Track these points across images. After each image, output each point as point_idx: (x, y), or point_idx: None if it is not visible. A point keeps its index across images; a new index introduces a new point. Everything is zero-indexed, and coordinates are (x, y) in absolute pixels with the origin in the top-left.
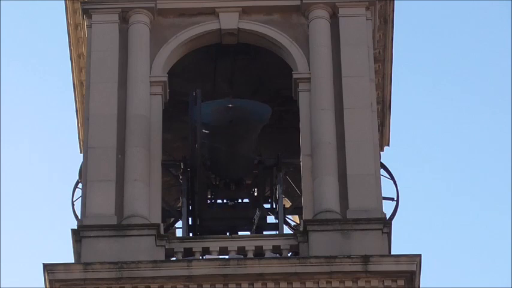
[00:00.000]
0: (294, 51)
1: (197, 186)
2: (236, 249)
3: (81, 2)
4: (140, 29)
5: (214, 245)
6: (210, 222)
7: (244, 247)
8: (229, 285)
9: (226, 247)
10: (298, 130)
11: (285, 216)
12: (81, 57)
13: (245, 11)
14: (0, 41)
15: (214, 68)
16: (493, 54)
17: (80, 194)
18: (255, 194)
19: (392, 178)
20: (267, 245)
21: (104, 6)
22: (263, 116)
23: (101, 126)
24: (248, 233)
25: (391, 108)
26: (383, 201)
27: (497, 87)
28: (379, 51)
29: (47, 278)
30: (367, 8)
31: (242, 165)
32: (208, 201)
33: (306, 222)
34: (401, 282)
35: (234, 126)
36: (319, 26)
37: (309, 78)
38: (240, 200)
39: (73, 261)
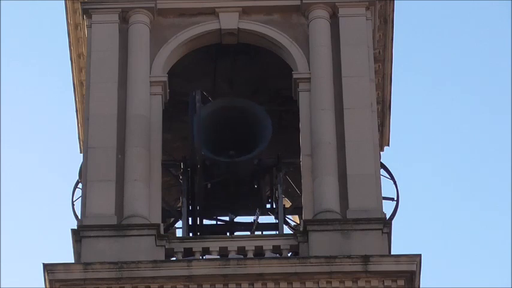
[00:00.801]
0: (294, 51)
1: (198, 181)
2: (236, 249)
3: (81, 2)
4: (140, 29)
5: (214, 245)
6: (210, 210)
7: (244, 247)
8: (229, 285)
9: (226, 247)
10: (298, 130)
11: (285, 216)
12: (81, 57)
13: (245, 11)
14: (0, 41)
15: (214, 68)
16: (493, 54)
17: (80, 194)
18: (255, 194)
19: (392, 178)
20: (267, 245)
21: (104, 6)
22: (264, 139)
23: (101, 126)
24: (248, 233)
25: (391, 108)
26: (383, 201)
27: (497, 87)
28: (379, 51)
29: (47, 278)
30: (367, 8)
31: (242, 167)
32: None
33: (306, 222)
34: (401, 282)
35: (235, 165)
36: (319, 26)
37: (309, 78)
38: (239, 200)
39: (73, 261)
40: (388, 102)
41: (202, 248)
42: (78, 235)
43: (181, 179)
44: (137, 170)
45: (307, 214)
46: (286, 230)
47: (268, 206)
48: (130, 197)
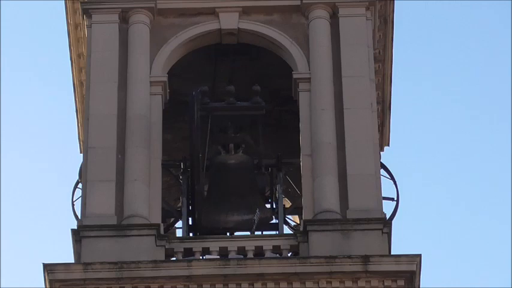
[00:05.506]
0: (294, 51)
1: (198, 177)
2: (236, 249)
3: (81, 2)
4: (140, 29)
5: (214, 245)
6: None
7: (244, 247)
8: (229, 285)
9: (226, 247)
10: (298, 130)
11: (285, 216)
12: (81, 57)
13: (245, 11)
14: (0, 41)
15: (214, 68)
16: (493, 54)
17: (80, 194)
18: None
19: (392, 178)
20: (267, 245)
21: (104, 6)
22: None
23: (101, 126)
24: (248, 233)
25: (391, 108)
26: (383, 201)
27: (497, 87)
28: (379, 51)
29: (47, 278)
30: (367, 8)
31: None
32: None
33: (306, 222)
34: (401, 282)
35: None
36: (319, 26)
37: (309, 78)
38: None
39: (73, 261)
40: (388, 102)
41: (202, 248)
42: (78, 235)
43: (181, 179)
44: (137, 170)
45: (307, 214)
46: (286, 230)
47: (268, 206)
48: (130, 197)
